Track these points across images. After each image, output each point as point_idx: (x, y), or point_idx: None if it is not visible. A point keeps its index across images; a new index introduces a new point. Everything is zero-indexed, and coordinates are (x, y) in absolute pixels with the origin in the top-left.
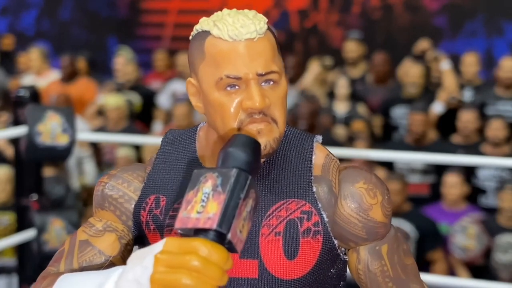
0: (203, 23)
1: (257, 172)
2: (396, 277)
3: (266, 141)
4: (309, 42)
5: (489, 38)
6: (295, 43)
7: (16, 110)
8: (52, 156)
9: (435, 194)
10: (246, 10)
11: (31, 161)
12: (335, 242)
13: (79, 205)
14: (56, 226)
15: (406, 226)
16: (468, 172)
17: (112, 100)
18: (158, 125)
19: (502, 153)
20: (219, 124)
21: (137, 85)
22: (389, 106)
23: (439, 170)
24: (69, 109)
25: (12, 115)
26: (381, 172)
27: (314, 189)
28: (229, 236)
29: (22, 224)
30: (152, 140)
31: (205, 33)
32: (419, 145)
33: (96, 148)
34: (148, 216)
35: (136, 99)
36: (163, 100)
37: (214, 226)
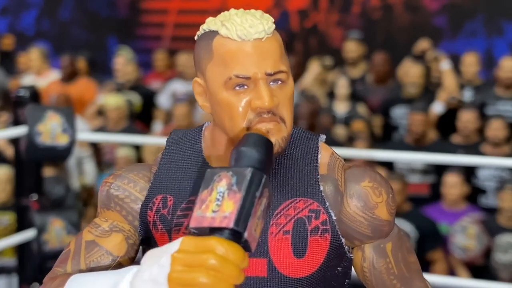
0: (210, 23)
1: (270, 171)
2: (400, 274)
3: (275, 140)
4: (309, 42)
5: (489, 38)
6: (295, 43)
7: (16, 110)
8: (52, 156)
9: (435, 194)
10: (252, 10)
11: (31, 161)
12: (343, 240)
13: (79, 205)
14: (56, 226)
15: (406, 226)
16: (468, 172)
17: (112, 100)
18: (158, 125)
19: (502, 153)
20: (228, 123)
21: (137, 85)
22: (389, 106)
23: (439, 170)
24: (69, 109)
25: (12, 115)
26: (381, 172)
27: (321, 188)
28: (245, 235)
29: (22, 224)
30: (152, 140)
31: (213, 33)
32: (419, 145)
33: (96, 148)
34: (155, 216)
35: (136, 99)
36: (163, 100)
37: (231, 225)
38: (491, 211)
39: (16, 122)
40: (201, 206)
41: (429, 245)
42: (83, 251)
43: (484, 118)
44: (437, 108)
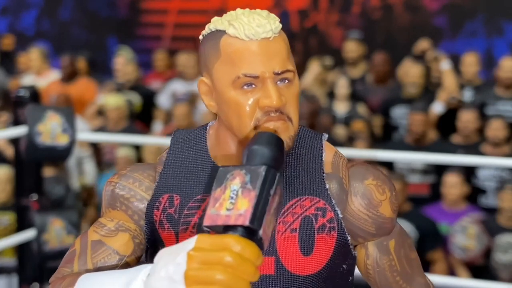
0: (217, 23)
1: (282, 169)
2: (402, 271)
3: (283, 139)
4: (309, 42)
5: (489, 38)
6: (295, 43)
7: (16, 110)
8: (52, 156)
9: (435, 194)
10: (258, 10)
11: (31, 161)
12: (348, 237)
13: (79, 205)
14: (56, 226)
15: (406, 226)
16: (468, 172)
17: (112, 100)
18: (158, 125)
19: (502, 153)
20: (235, 122)
21: (137, 85)
22: (389, 106)
23: (439, 170)
24: (69, 109)
25: (12, 115)
26: None
27: (327, 186)
28: (260, 232)
29: (22, 224)
30: (152, 140)
31: (220, 33)
32: (419, 145)
33: (96, 148)
34: (162, 215)
35: (136, 99)
36: (163, 100)
37: (247, 223)
38: (491, 211)
39: (16, 122)
40: (214, 204)
41: (429, 245)
42: (89, 251)
43: (484, 118)
44: (437, 108)
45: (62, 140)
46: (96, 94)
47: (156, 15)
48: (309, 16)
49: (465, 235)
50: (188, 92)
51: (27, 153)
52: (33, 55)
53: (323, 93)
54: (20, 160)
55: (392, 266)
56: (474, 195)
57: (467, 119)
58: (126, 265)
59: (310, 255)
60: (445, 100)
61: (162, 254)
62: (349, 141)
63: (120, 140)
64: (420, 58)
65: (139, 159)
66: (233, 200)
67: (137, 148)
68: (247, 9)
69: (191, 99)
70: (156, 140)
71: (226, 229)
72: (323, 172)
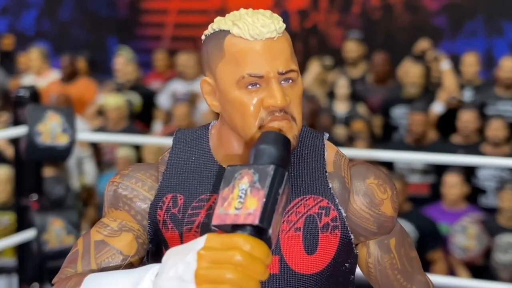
0: (220, 22)
1: (289, 168)
2: (403, 269)
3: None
4: (309, 42)
5: (489, 38)
6: (295, 43)
7: (16, 110)
8: (52, 156)
9: (435, 194)
10: (261, 10)
11: (31, 161)
12: (351, 236)
13: (79, 205)
14: (56, 226)
15: (406, 226)
16: (468, 172)
17: (112, 100)
18: (158, 125)
19: (502, 153)
20: (239, 122)
21: (137, 85)
22: (389, 106)
23: (439, 170)
24: (69, 109)
25: (12, 115)
26: None
27: (330, 185)
28: (270, 231)
29: (22, 224)
30: (152, 140)
31: (224, 32)
32: (419, 145)
33: (96, 148)
34: (165, 215)
35: (136, 99)
36: (163, 100)
37: (256, 222)
38: (491, 211)
39: (16, 122)
40: (223, 203)
41: (429, 245)
42: (92, 251)
43: (484, 118)
44: (437, 108)
45: (62, 140)
46: (96, 94)
47: (156, 15)
48: (309, 16)
49: (465, 235)
50: (188, 92)
51: (27, 153)
52: (33, 55)
53: (323, 93)
54: (20, 160)
55: (393, 265)
56: (474, 195)
57: (467, 119)
58: (130, 265)
59: (314, 254)
60: (445, 100)
61: (170, 254)
62: (349, 141)
63: (120, 140)
64: (420, 58)
65: (139, 159)
66: (242, 199)
67: (137, 148)
68: (251, 9)
69: (191, 99)
70: (156, 140)
71: (235, 228)
72: (326, 172)
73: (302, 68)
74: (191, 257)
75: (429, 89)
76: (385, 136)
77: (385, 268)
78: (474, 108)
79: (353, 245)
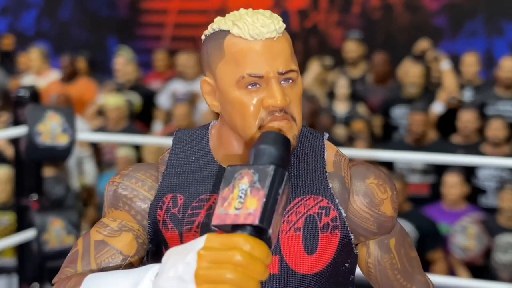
0: (220, 22)
1: (289, 168)
2: (403, 269)
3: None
4: (309, 42)
5: (489, 38)
6: (295, 43)
7: (16, 110)
8: (52, 156)
9: (435, 194)
10: (261, 10)
11: (31, 161)
12: (351, 236)
13: (79, 205)
14: (56, 226)
15: (406, 226)
16: (468, 172)
17: (112, 100)
18: (158, 125)
19: (502, 153)
20: (239, 122)
21: (137, 85)
22: (389, 106)
23: (439, 170)
24: (69, 109)
25: (12, 115)
26: None
27: (330, 185)
28: (270, 231)
29: (22, 224)
30: (152, 140)
31: (223, 32)
32: (419, 145)
33: (96, 148)
34: (165, 215)
35: (136, 99)
36: (163, 100)
37: (256, 222)
38: (491, 211)
39: (16, 122)
40: (223, 203)
41: (429, 245)
42: (92, 251)
43: (484, 118)
44: (437, 108)
45: (62, 140)
46: (96, 94)
47: (156, 15)
48: (309, 16)
49: (465, 235)
50: (188, 92)
51: (27, 153)
52: (33, 55)
53: (323, 93)
54: (20, 160)
55: (393, 264)
56: (474, 195)
57: (467, 119)
58: (130, 265)
59: (314, 254)
60: (445, 100)
61: (170, 254)
62: (349, 141)
63: (120, 140)
64: (420, 58)
65: (139, 159)
66: (242, 199)
67: (137, 148)
68: (251, 9)
69: (191, 99)
70: (156, 140)
71: (235, 228)
72: (326, 172)
73: (302, 68)
74: (191, 257)
75: (429, 89)
76: (385, 136)
77: (385, 268)
78: (474, 108)
79: (353, 245)
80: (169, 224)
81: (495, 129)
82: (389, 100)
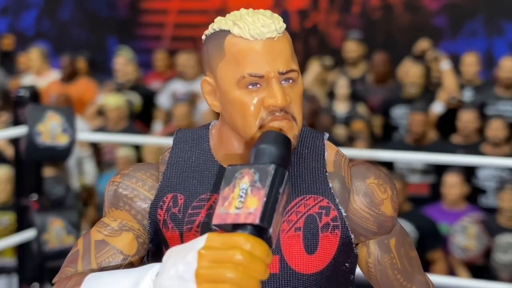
0: (220, 22)
1: (289, 167)
2: (403, 269)
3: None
4: (309, 42)
5: (489, 38)
6: (295, 43)
7: (16, 110)
8: (52, 156)
9: (435, 194)
10: (262, 10)
11: (31, 161)
12: (352, 236)
13: (79, 205)
14: (56, 226)
15: (406, 226)
16: (468, 172)
17: (112, 100)
18: (158, 125)
19: (502, 153)
20: (240, 122)
21: (137, 85)
22: (389, 106)
23: (439, 170)
24: (69, 109)
25: (12, 115)
26: None
27: (330, 185)
28: (270, 231)
29: (22, 224)
30: (152, 140)
31: (224, 32)
32: (419, 145)
33: (96, 148)
34: (165, 215)
35: (136, 99)
36: (163, 100)
37: (257, 221)
38: (491, 211)
39: (16, 122)
40: (223, 203)
41: (429, 245)
42: (93, 251)
43: (484, 118)
44: (437, 108)
45: (62, 140)
46: (96, 94)
47: (156, 15)
48: (309, 16)
49: (465, 235)
50: (188, 92)
51: (27, 153)
52: (33, 55)
53: (323, 93)
54: (20, 160)
55: (393, 264)
56: (474, 195)
57: (467, 119)
58: (130, 264)
59: (314, 254)
60: (445, 100)
61: (171, 253)
62: (349, 141)
63: (120, 140)
64: (420, 58)
65: (139, 159)
66: (243, 199)
67: (137, 148)
68: (251, 9)
69: (191, 99)
70: (156, 140)
71: (235, 227)
72: (326, 171)
73: (302, 68)
74: (191, 256)
75: (429, 89)
76: (385, 136)
77: (385, 268)
78: (474, 108)
79: (353, 245)
80: (170, 223)
81: (495, 129)
82: (389, 100)
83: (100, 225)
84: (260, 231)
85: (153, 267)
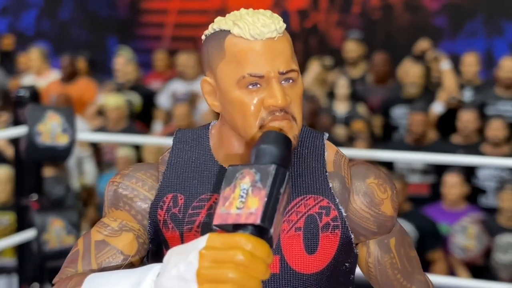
0: (221, 22)
1: (289, 167)
2: (403, 268)
3: None
4: (309, 42)
5: (489, 38)
6: (295, 43)
7: (16, 110)
8: (52, 156)
9: (435, 194)
10: (262, 10)
11: (31, 161)
12: (352, 236)
13: (79, 205)
14: (56, 226)
15: (406, 226)
16: (468, 172)
17: (112, 100)
18: (158, 125)
19: (502, 153)
20: (240, 122)
21: (137, 85)
22: (389, 106)
23: (439, 170)
24: (69, 109)
25: (12, 115)
26: None
27: (330, 185)
28: (271, 231)
29: (22, 224)
30: (152, 140)
31: (224, 32)
32: (419, 145)
33: (96, 148)
34: (166, 215)
35: (136, 99)
36: (163, 100)
37: (258, 221)
38: (491, 211)
39: (16, 122)
40: (224, 203)
41: (429, 245)
42: (93, 251)
43: (484, 118)
44: (437, 108)
45: (62, 140)
46: (96, 94)
47: (156, 15)
48: (309, 16)
49: (465, 235)
50: (188, 92)
51: (27, 153)
52: (33, 55)
53: (323, 93)
54: (20, 160)
55: (393, 264)
56: (474, 195)
57: (467, 119)
58: (131, 265)
59: (314, 254)
60: (445, 100)
61: (172, 254)
62: (349, 141)
63: (120, 140)
64: (420, 58)
65: (139, 159)
66: (243, 199)
67: (137, 148)
68: (251, 9)
69: (191, 99)
70: (156, 140)
71: (236, 227)
72: (326, 171)
73: (302, 68)
74: (192, 256)
75: (429, 89)
76: (385, 136)
77: (385, 267)
78: (474, 108)
79: (353, 245)
80: (170, 224)
81: (495, 129)
82: (389, 100)
83: (100, 225)
84: (261, 231)
85: (154, 267)
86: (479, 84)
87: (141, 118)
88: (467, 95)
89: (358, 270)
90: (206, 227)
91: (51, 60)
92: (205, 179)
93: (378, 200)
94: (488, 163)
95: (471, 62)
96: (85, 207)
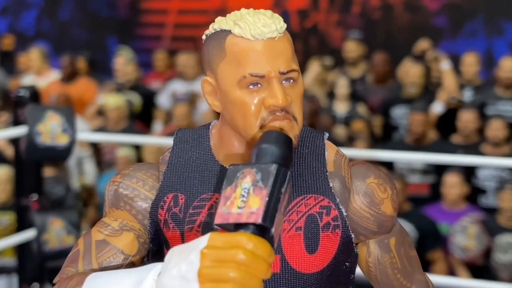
0: (221, 22)
1: (291, 167)
2: (403, 268)
3: None
4: (309, 42)
5: (489, 38)
6: (295, 43)
7: (16, 110)
8: (52, 156)
9: (435, 194)
10: (262, 10)
11: (31, 161)
12: (352, 235)
13: (79, 205)
14: (56, 226)
15: (406, 226)
16: (468, 172)
17: (112, 100)
18: (158, 125)
19: (502, 153)
20: (241, 122)
21: (137, 85)
22: (389, 106)
23: (439, 170)
24: (69, 109)
25: (12, 115)
26: None
27: (331, 185)
28: (272, 230)
29: (22, 224)
30: (152, 140)
31: (225, 32)
32: (419, 145)
33: (96, 148)
34: (166, 215)
35: (136, 99)
36: (163, 100)
37: (259, 220)
38: (491, 211)
39: (16, 122)
40: (225, 202)
41: (429, 245)
42: (94, 251)
43: (484, 118)
44: (437, 108)
45: (62, 140)
46: (96, 94)
47: (156, 15)
48: (309, 16)
49: (465, 235)
50: (188, 92)
51: (27, 153)
52: (33, 55)
53: (323, 93)
54: (20, 160)
55: (393, 264)
56: (474, 195)
57: (467, 119)
58: (131, 264)
59: (315, 253)
60: (445, 100)
61: (173, 253)
62: (349, 141)
63: (120, 140)
64: (420, 58)
65: (139, 159)
66: (245, 198)
67: (137, 148)
68: (252, 9)
69: (191, 99)
70: (156, 140)
71: (237, 227)
72: (326, 171)
73: (302, 68)
74: (194, 256)
75: (429, 89)
76: (385, 136)
77: (385, 267)
78: (474, 108)
79: (354, 244)
80: (171, 223)
81: (495, 129)
82: (389, 100)
83: (100, 225)
84: (262, 230)
85: (155, 267)
86: (479, 84)
87: (141, 118)
88: (467, 95)
89: (358, 270)
90: (207, 227)
91: (51, 60)
92: (206, 178)
93: (378, 200)
94: (488, 163)
95: (471, 62)
96: (85, 207)
